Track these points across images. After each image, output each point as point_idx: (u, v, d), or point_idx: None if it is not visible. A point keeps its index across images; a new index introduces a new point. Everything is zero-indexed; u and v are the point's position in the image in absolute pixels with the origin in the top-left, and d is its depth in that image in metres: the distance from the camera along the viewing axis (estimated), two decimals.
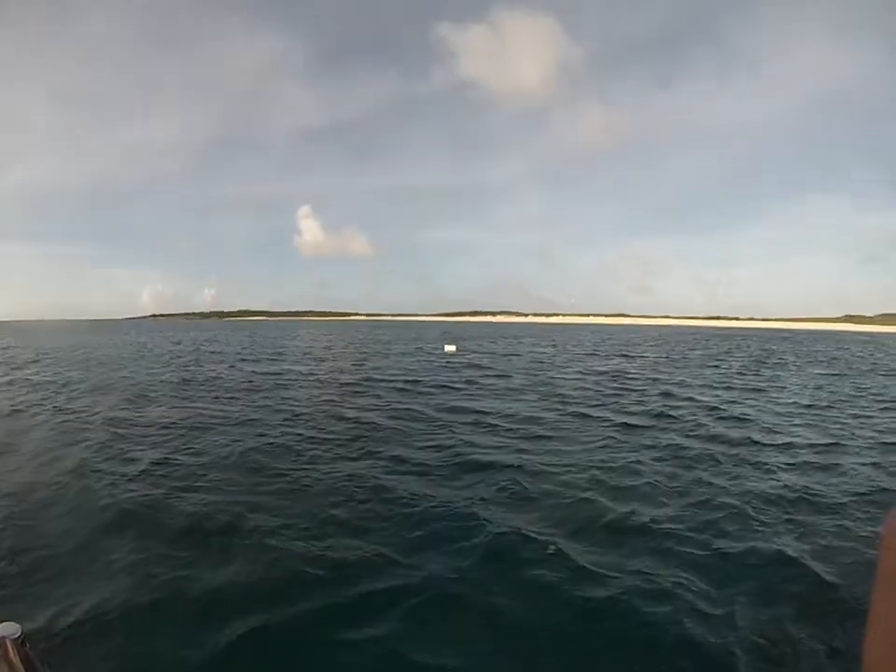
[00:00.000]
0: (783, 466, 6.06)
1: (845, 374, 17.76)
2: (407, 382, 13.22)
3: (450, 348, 27.42)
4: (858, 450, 6.96)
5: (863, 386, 14.27)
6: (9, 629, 0.84)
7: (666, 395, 11.54)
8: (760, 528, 4.22)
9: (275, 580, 3.32)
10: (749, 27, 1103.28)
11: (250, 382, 13.34)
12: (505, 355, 25.07)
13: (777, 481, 5.45)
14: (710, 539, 3.99)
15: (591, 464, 5.91)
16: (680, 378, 15.06)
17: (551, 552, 3.71)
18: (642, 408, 9.87)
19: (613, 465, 5.91)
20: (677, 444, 6.94)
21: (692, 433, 7.71)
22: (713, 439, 7.36)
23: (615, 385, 13.41)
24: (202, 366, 17.97)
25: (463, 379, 14.08)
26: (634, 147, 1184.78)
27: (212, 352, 25.63)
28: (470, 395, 11.29)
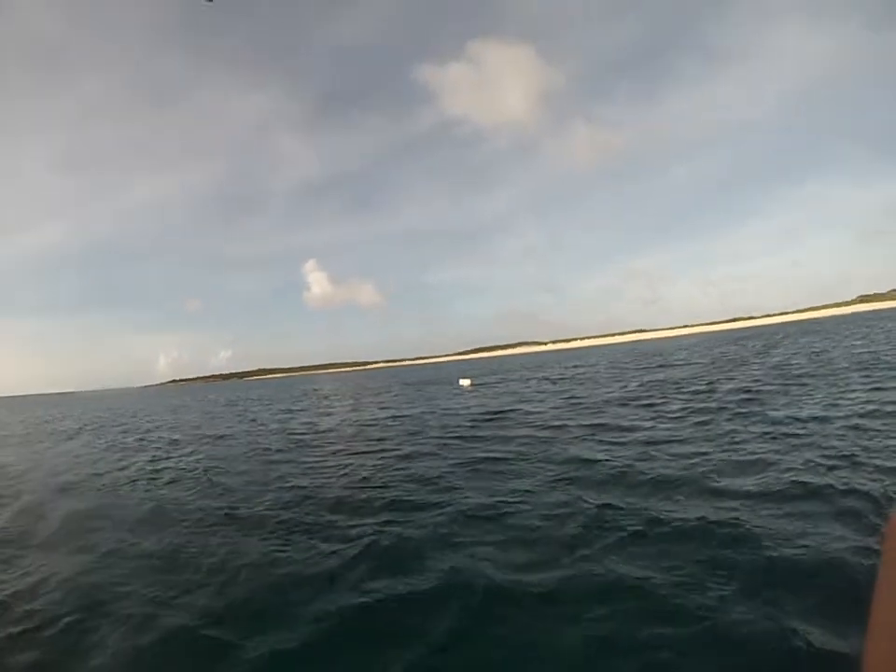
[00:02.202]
0: None
1: None
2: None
3: (465, 382, 27.71)
4: None
5: None
6: None
7: None
8: None
9: None
10: (727, 25, 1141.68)
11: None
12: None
13: None
14: None
15: None
16: None
17: None
18: None
19: None
20: None
21: None
22: None
23: None
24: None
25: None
26: (627, 162, 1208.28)
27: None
28: None
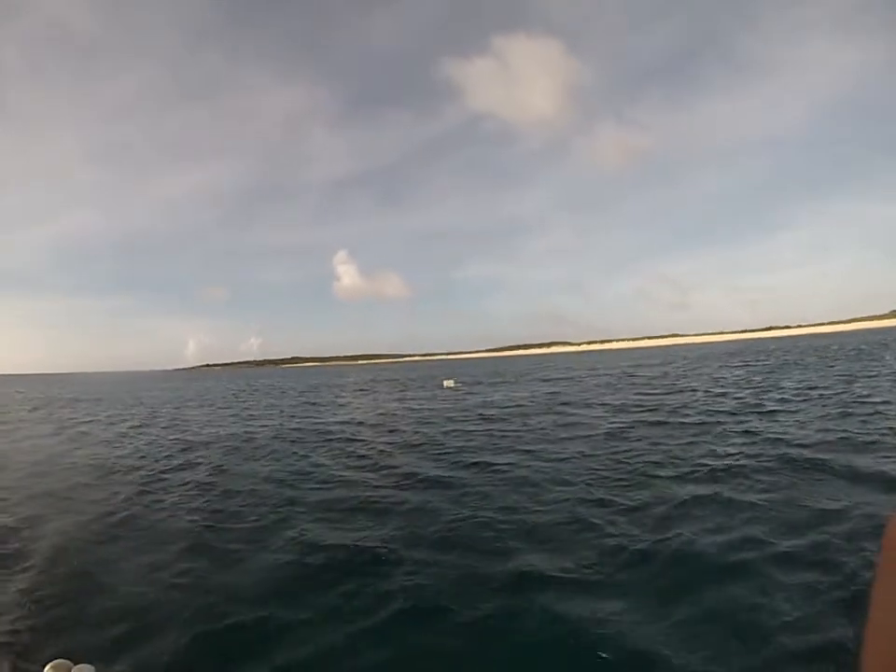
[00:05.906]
0: None
1: None
2: None
3: (448, 383, 28.23)
4: None
5: None
6: (84, 671, 0.85)
7: None
8: None
9: None
10: (757, 35, 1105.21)
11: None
12: None
13: None
14: None
15: None
16: None
17: None
18: None
19: None
20: None
21: None
22: None
23: None
24: None
25: None
26: (656, 167, 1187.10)
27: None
28: None
